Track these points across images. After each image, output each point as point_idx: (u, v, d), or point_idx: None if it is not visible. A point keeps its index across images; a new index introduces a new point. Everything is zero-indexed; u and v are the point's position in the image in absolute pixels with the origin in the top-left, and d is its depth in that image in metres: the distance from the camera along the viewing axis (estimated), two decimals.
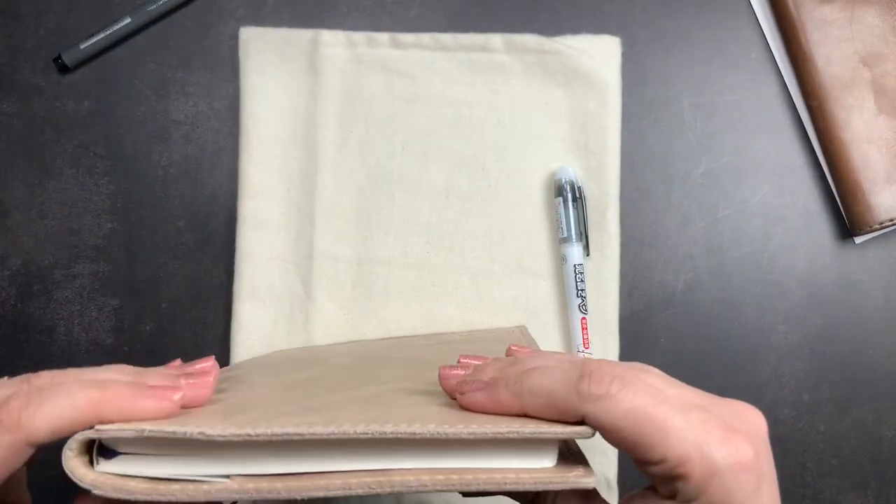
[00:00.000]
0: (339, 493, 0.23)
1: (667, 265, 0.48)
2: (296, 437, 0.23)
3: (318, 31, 0.48)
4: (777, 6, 0.48)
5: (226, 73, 0.49)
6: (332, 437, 0.23)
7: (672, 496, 0.23)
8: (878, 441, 0.48)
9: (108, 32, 0.48)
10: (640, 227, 0.48)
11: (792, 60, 0.49)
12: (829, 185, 0.48)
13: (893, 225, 0.47)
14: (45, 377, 0.24)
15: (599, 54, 0.48)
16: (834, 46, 0.48)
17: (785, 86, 0.49)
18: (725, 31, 0.49)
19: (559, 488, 0.24)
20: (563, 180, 0.46)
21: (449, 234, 0.48)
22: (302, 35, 0.48)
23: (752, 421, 0.24)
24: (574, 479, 0.24)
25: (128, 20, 0.48)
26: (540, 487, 0.24)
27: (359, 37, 0.48)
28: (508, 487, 0.23)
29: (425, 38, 0.48)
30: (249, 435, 0.23)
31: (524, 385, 0.24)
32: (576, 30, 0.48)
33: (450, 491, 0.24)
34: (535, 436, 0.23)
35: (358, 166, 0.48)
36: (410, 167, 0.48)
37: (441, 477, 0.23)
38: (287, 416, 0.24)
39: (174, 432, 0.23)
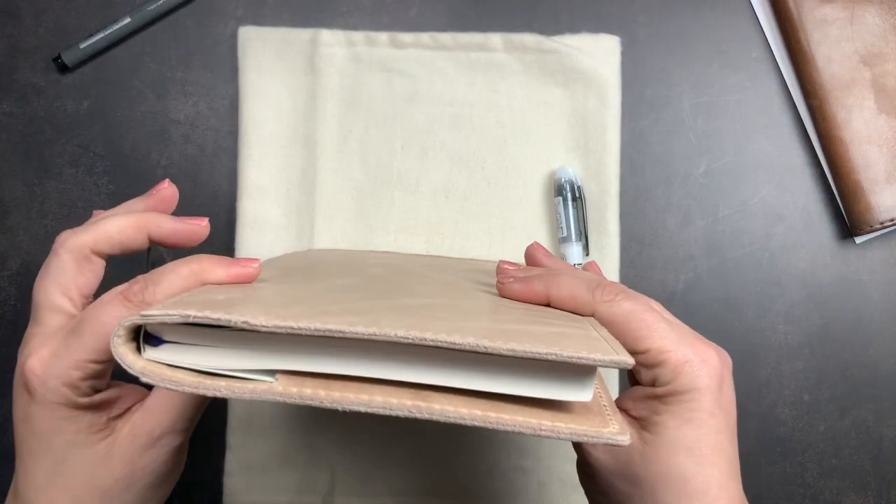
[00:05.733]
0: (379, 411, 0.23)
1: (667, 265, 0.48)
2: (337, 335, 0.23)
3: (318, 31, 0.48)
4: (777, 6, 0.48)
5: (225, 73, 0.49)
6: (373, 338, 0.23)
7: (653, 383, 0.29)
8: (879, 441, 0.48)
9: (108, 32, 0.48)
10: (640, 227, 0.48)
11: (792, 60, 0.49)
12: (830, 185, 0.48)
13: (894, 225, 0.47)
14: (155, 271, 0.29)
15: (598, 53, 0.48)
16: (834, 46, 0.47)
17: (785, 85, 0.49)
18: (725, 31, 0.49)
19: (593, 442, 0.24)
20: (563, 179, 0.46)
21: (448, 233, 0.48)
22: (301, 34, 0.48)
23: (722, 350, 0.30)
24: (609, 434, 0.24)
25: (127, 20, 0.48)
26: (576, 439, 0.24)
27: (358, 36, 0.48)
28: (543, 434, 0.23)
29: (424, 37, 0.48)
30: (292, 327, 0.23)
31: (554, 280, 0.31)
32: (575, 30, 0.48)
33: (485, 427, 0.23)
34: (573, 360, 0.23)
35: (358, 166, 0.48)
36: (410, 166, 0.48)
37: (479, 412, 0.23)
38: (328, 314, 0.24)
39: (219, 319, 0.23)
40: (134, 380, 0.24)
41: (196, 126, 0.49)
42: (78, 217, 0.48)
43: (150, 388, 0.31)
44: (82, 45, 0.48)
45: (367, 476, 0.46)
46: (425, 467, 0.46)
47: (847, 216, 0.47)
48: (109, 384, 0.31)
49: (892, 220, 0.46)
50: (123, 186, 0.49)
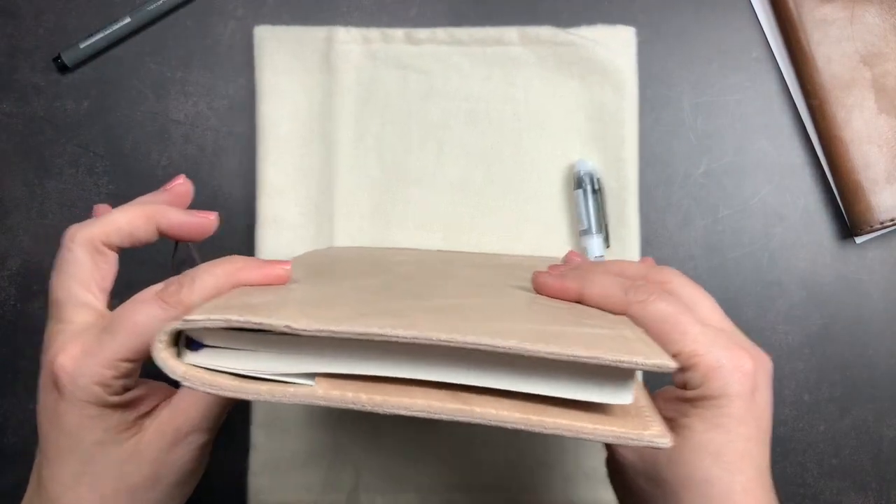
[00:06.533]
0: (421, 414, 0.23)
1: (667, 265, 0.48)
2: (378, 338, 0.23)
3: (333, 29, 0.48)
4: (777, 6, 0.48)
5: (225, 72, 0.49)
6: (415, 341, 0.23)
7: (683, 386, 0.28)
8: (879, 441, 0.48)
9: (108, 32, 0.48)
10: (641, 227, 0.48)
11: (792, 60, 0.48)
12: (830, 185, 0.48)
13: (894, 225, 0.47)
14: (190, 272, 0.29)
15: (614, 45, 0.47)
16: (834, 46, 0.47)
17: (785, 85, 0.49)
18: (725, 31, 0.49)
19: (634, 444, 0.24)
20: (582, 172, 0.46)
21: (466, 228, 0.48)
22: (316, 33, 0.48)
23: (760, 353, 0.29)
24: (649, 437, 0.24)
25: (127, 20, 0.48)
26: (617, 442, 0.24)
27: (373, 33, 0.48)
28: (585, 437, 0.23)
29: (440, 32, 0.48)
30: (333, 331, 0.23)
31: (588, 278, 0.31)
32: None
33: (527, 430, 0.23)
34: (615, 364, 0.23)
35: (375, 163, 0.48)
36: (427, 162, 0.48)
37: (519, 415, 0.23)
38: (366, 316, 0.24)
39: (261, 323, 0.23)
40: (164, 379, 0.24)
41: (196, 126, 0.49)
42: (78, 217, 0.48)
43: (176, 385, 0.31)
44: (82, 45, 0.48)
45: (391, 473, 0.46)
46: (449, 463, 0.46)
47: (847, 216, 0.47)
48: (137, 382, 0.31)
49: (892, 220, 0.46)
50: (123, 186, 0.49)
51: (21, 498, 0.48)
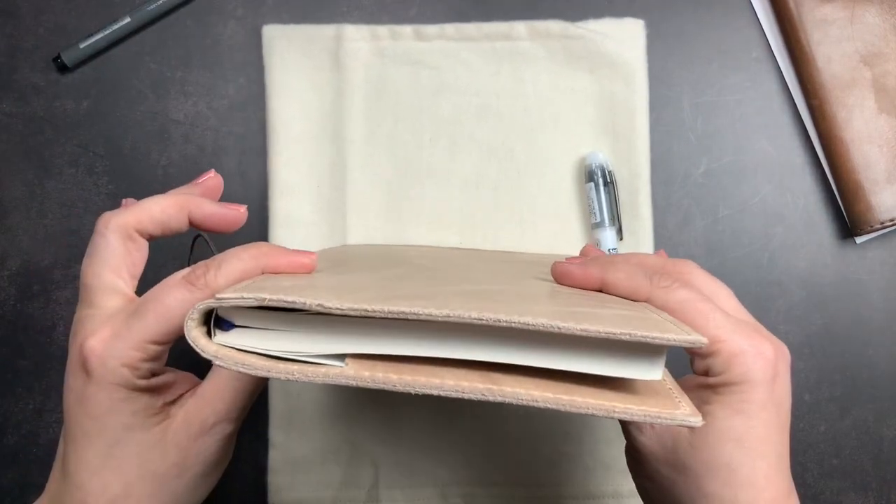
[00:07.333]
0: (452, 394, 0.23)
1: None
2: (411, 317, 0.23)
3: (342, 26, 0.48)
4: (777, 6, 0.48)
5: (225, 72, 0.49)
6: (447, 320, 0.23)
7: (706, 373, 0.29)
8: (879, 441, 0.48)
9: (108, 32, 0.48)
10: None
11: (792, 60, 0.48)
12: (830, 185, 0.48)
13: (894, 225, 0.46)
14: (217, 256, 0.29)
15: (624, 37, 0.48)
16: (834, 46, 0.47)
17: (785, 85, 0.49)
18: (725, 31, 0.49)
19: (667, 424, 0.24)
20: (594, 165, 0.46)
21: (480, 223, 0.48)
22: (325, 31, 0.48)
23: (779, 342, 0.30)
24: (682, 416, 0.23)
25: (127, 20, 0.48)
26: (649, 421, 0.23)
27: (382, 30, 0.48)
28: (616, 416, 0.23)
29: (449, 28, 0.48)
30: (366, 310, 0.23)
31: (611, 264, 0.31)
32: None
33: (557, 410, 0.23)
34: (647, 340, 0.23)
35: (387, 160, 0.48)
36: (439, 158, 0.48)
37: (550, 395, 0.23)
38: (397, 299, 0.24)
39: (293, 302, 0.23)
40: (190, 369, 0.24)
41: (196, 126, 0.49)
42: (78, 217, 0.48)
43: (205, 370, 0.31)
44: (82, 45, 0.48)
45: (410, 468, 0.46)
46: (468, 457, 0.46)
47: (847, 216, 0.47)
48: (164, 369, 0.31)
49: (892, 220, 0.46)
50: (123, 186, 0.49)
51: (21, 497, 0.48)
